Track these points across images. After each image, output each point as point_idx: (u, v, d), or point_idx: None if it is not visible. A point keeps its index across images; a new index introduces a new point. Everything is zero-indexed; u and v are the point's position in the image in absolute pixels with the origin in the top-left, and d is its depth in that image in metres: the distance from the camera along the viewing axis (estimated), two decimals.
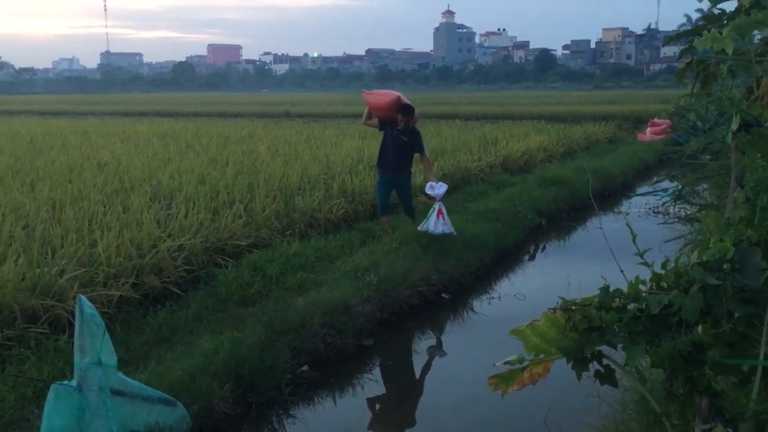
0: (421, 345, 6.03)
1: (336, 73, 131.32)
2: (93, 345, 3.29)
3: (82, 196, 8.33)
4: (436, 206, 7.47)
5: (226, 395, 4.37)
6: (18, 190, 8.71)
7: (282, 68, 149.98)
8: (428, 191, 7.62)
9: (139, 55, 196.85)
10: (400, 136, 7.66)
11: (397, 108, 7.54)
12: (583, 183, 11.81)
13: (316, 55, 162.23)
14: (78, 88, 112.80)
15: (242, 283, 6.10)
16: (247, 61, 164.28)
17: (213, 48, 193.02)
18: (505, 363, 2.54)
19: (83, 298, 3.34)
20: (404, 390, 5.27)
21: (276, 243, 7.32)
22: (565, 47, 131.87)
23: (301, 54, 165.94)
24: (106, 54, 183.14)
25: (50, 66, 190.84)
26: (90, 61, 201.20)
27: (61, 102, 52.47)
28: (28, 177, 9.98)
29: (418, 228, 7.50)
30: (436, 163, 11.82)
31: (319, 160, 11.77)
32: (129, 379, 3.57)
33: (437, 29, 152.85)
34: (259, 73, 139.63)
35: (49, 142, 15.99)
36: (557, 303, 2.47)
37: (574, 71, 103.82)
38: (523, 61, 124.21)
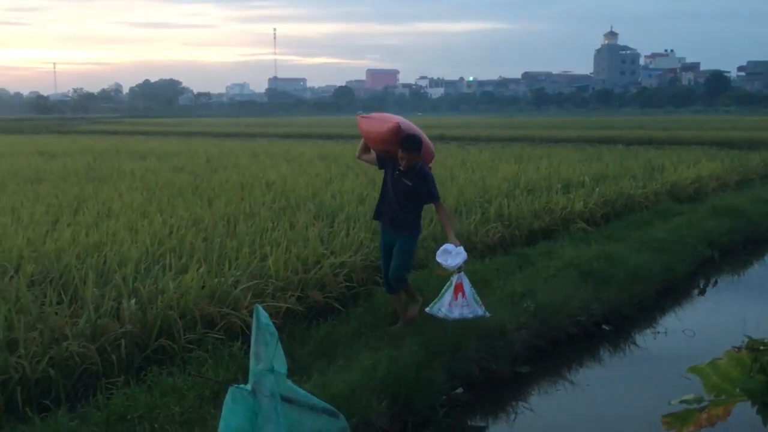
0: (580, 376, 5.83)
1: (491, 96, 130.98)
2: (267, 353, 3.50)
3: (253, 213, 8.89)
4: (454, 279, 5.44)
5: (384, 411, 4.48)
6: (198, 205, 9.47)
7: (437, 92, 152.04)
8: (439, 258, 5.51)
9: (303, 80, 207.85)
10: (402, 179, 5.60)
11: (397, 139, 5.48)
12: (762, 215, 10.91)
13: (471, 79, 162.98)
14: (248, 112, 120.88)
15: None
16: (404, 85, 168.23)
17: (371, 73, 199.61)
18: (682, 402, 2.41)
19: (260, 308, 3.58)
20: (561, 422, 5.12)
21: (432, 264, 7.40)
22: (740, 69, 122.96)
23: (456, 78, 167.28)
24: (274, 79, 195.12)
25: (224, 91, 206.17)
26: (259, 86, 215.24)
27: (233, 124, 56.41)
28: (206, 193, 10.82)
29: (427, 309, 5.57)
30: (596, 189, 11.44)
31: (474, 184, 11.78)
32: (297, 388, 3.77)
33: (598, 51, 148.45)
34: (415, 97, 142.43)
35: (223, 162, 17.24)
36: (743, 342, 2.31)
37: (751, 94, 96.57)
38: (692, 83, 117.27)
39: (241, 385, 3.52)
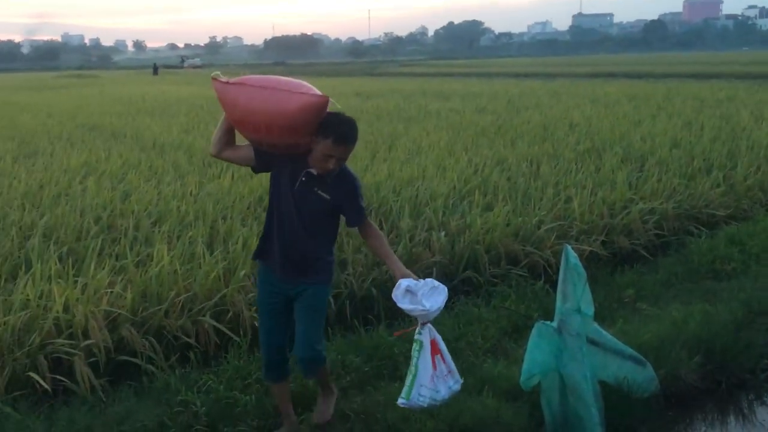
0: None
1: None
2: (574, 293, 3.49)
3: (556, 154, 8.79)
4: (424, 338, 3.12)
5: (695, 368, 4.20)
6: (501, 145, 9.64)
7: None
8: (403, 305, 3.06)
9: (610, 15, 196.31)
10: (314, 191, 3.19)
11: (315, 123, 3.06)
12: None
13: None
14: (549, 51, 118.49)
15: (717, 255, 5.73)
16: (727, 17, 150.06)
17: (689, 4, 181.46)
18: None
19: (569, 248, 3.56)
20: None
21: (759, 216, 6.67)
22: None
23: None
24: (578, 16, 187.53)
25: (525, 30, 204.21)
26: (562, 23, 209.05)
27: (533, 64, 55.78)
28: (509, 134, 10.95)
29: (401, 402, 3.12)
30: None
31: None
32: (604, 331, 3.71)
33: None
34: (741, 29, 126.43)
35: (524, 102, 17.21)
36: None
37: None
38: None
39: (548, 322, 3.57)
